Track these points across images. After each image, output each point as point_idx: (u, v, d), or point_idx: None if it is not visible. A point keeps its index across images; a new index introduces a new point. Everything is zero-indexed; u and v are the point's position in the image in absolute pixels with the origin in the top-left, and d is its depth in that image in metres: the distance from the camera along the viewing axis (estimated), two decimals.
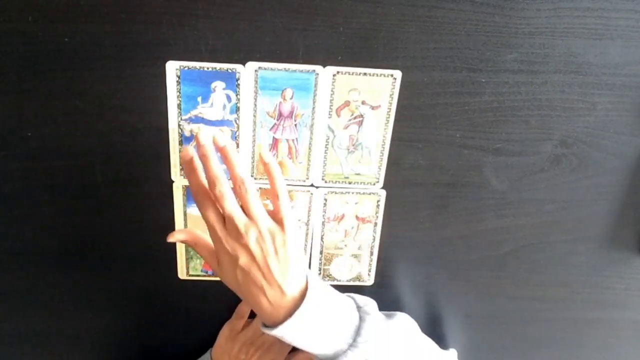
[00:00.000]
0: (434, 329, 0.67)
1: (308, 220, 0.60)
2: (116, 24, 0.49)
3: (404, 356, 0.52)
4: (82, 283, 0.62)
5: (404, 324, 0.55)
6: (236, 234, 0.47)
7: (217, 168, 0.47)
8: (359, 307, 0.51)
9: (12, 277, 0.61)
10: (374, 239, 0.62)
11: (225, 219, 0.47)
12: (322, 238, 0.61)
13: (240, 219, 0.46)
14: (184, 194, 0.57)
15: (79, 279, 0.61)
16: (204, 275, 0.62)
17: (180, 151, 0.55)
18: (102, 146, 0.54)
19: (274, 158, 0.50)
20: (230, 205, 0.46)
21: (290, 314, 0.47)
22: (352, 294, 0.53)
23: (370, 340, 0.48)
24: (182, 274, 0.62)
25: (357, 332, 0.49)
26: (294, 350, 0.64)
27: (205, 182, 0.48)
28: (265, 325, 0.49)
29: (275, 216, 0.48)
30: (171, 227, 0.59)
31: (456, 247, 0.63)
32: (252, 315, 0.63)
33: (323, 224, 0.60)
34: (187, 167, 0.48)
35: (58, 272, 0.61)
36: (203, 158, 0.47)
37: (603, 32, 0.53)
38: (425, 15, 0.51)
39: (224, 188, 0.46)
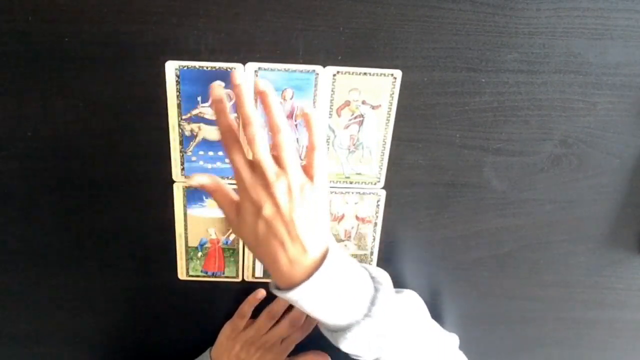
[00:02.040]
0: None
1: None
2: (116, 24, 0.49)
3: (414, 329, 0.50)
4: (81, 283, 0.62)
5: (413, 299, 0.54)
6: (264, 181, 0.44)
7: (252, 109, 0.44)
8: (372, 277, 0.49)
9: (12, 277, 0.61)
10: (374, 239, 0.62)
11: (253, 165, 0.45)
12: None
13: (270, 166, 0.44)
14: (184, 194, 0.57)
15: (79, 279, 0.61)
16: (204, 276, 0.62)
17: (212, 89, 0.49)
18: (102, 146, 0.54)
19: (317, 112, 0.47)
20: (262, 150, 0.44)
21: (308, 275, 0.44)
22: (365, 264, 0.51)
23: (385, 310, 0.46)
24: (182, 274, 0.62)
25: (372, 302, 0.47)
26: (296, 352, 0.64)
27: (234, 123, 0.46)
28: (279, 288, 0.46)
29: (307, 170, 0.46)
30: (171, 227, 0.59)
31: (456, 247, 0.63)
32: (254, 315, 0.63)
33: None
34: (217, 107, 0.46)
35: (58, 272, 0.61)
36: (238, 98, 0.45)
37: (603, 32, 0.53)
38: (425, 15, 0.51)
39: (257, 130, 0.44)
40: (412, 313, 0.52)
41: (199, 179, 0.48)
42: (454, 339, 0.58)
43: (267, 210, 0.44)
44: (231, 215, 0.47)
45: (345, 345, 0.47)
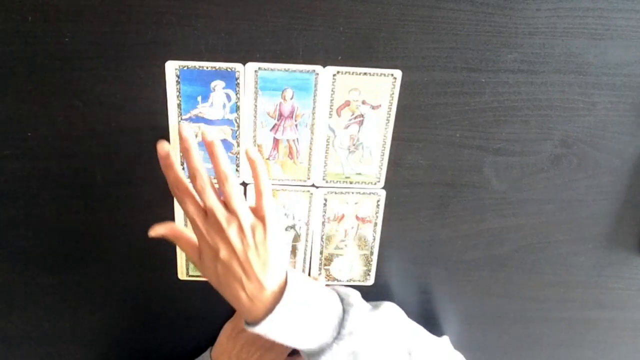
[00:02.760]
0: (434, 329, 0.67)
1: (308, 220, 0.60)
2: (116, 24, 0.49)
3: (392, 345, 0.51)
4: (81, 283, 0.62)
5: (390, 312, 0.54)
6: (217, 227, 0.47)
7: (199, 162, 0.47)
8: (341, 299, 0.51)
9: (12, 277, 0.61)
10: (374, 239, 0.62)
11: (206, 213, 0.48)
12: (322, 238, 0.61)
13: (221, 212, 0.47)
14: None
15: (79, 278, 0.61)
16: None
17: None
18: (102, 146, 0.54)
19: (260, 156, 0.50)
20: (212, 199, 0.47)
21: (270, 309, 0.47)
22: (334, 286, 0.53)
23: (356, 331, 0.49)
24: (182, 274, 0.62)
25: (341, 324, 0.49)
26: (296, 351, 0.64)
27: (182, 176, 0.48)
28: (248, 323, 0.49)
29: (257, 213, 0.49)
30: None
31: (456, 247, 0.63)
32: None
33: (323, 224, 0.60)
34: (164, 163, 0.48)
35: (58, 272, 0.61)
36: (185, 152, 0.48)
37: (603, 32, 0.53)
38: (425, 15, 0.51)
39: (205, 182, 0.47)
40: (388, 327, 0.52)
41: (158, 230, 0.51)
42: (444, 341, 0.58)
43: (223, 253, 0.47)
44: (195, 259, 0.51)
45: None
